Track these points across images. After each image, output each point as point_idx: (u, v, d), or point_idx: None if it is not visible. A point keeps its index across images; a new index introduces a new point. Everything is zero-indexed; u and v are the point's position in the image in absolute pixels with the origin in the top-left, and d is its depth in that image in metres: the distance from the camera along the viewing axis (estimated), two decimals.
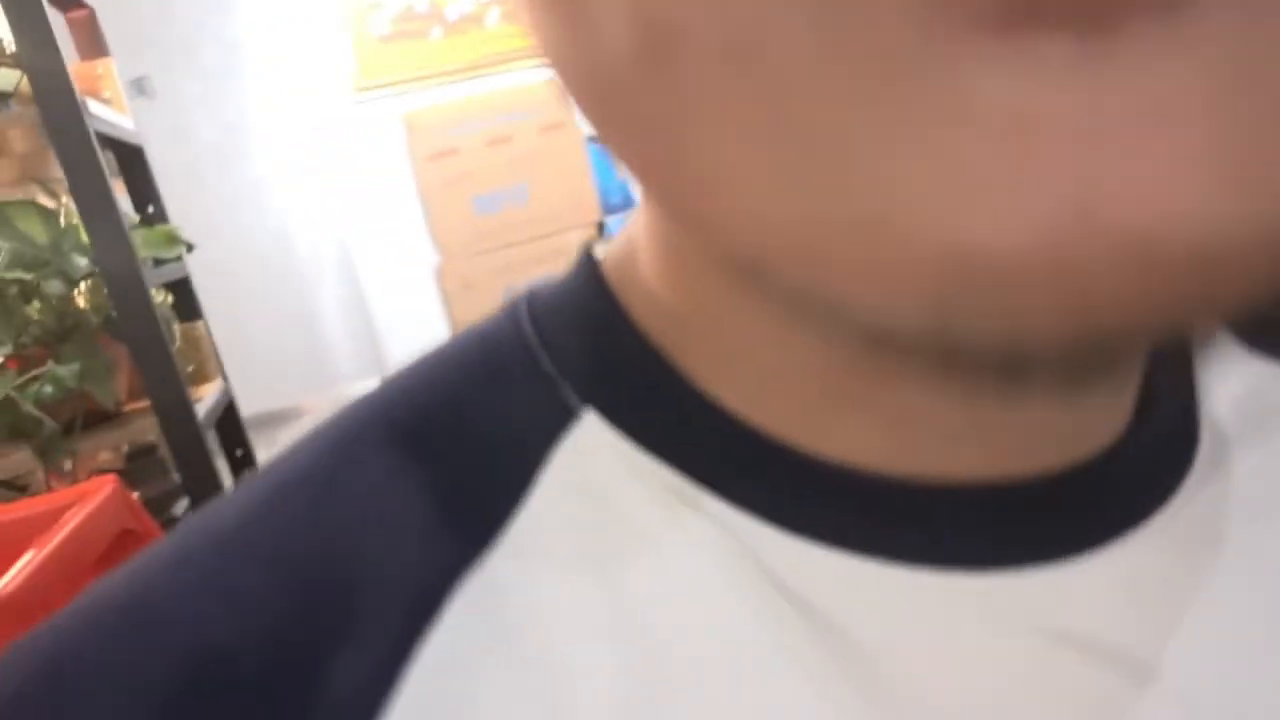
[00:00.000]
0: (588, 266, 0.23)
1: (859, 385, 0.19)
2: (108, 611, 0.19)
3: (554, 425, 0.20)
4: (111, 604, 0.19)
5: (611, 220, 2.66)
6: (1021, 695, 0.19)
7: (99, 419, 1.38)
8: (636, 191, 0.23)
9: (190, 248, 1.54)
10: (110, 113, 1.39)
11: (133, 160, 1.56)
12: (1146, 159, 0.11)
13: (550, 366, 0.21)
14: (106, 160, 1.26)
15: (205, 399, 1.48)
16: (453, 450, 0.20)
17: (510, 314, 0.23)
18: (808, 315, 0.17)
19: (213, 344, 1.69)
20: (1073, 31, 0.11)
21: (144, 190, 1.59)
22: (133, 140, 1.49)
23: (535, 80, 2.55)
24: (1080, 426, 0.20)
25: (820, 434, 0.20)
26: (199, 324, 1.65)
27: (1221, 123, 0.11)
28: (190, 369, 1.51)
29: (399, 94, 2.90)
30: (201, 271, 1.69)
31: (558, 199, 2.59)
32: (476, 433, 0.21)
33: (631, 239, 0.22)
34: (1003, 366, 0.16)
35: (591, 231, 2.58)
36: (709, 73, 0.13)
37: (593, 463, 0.20)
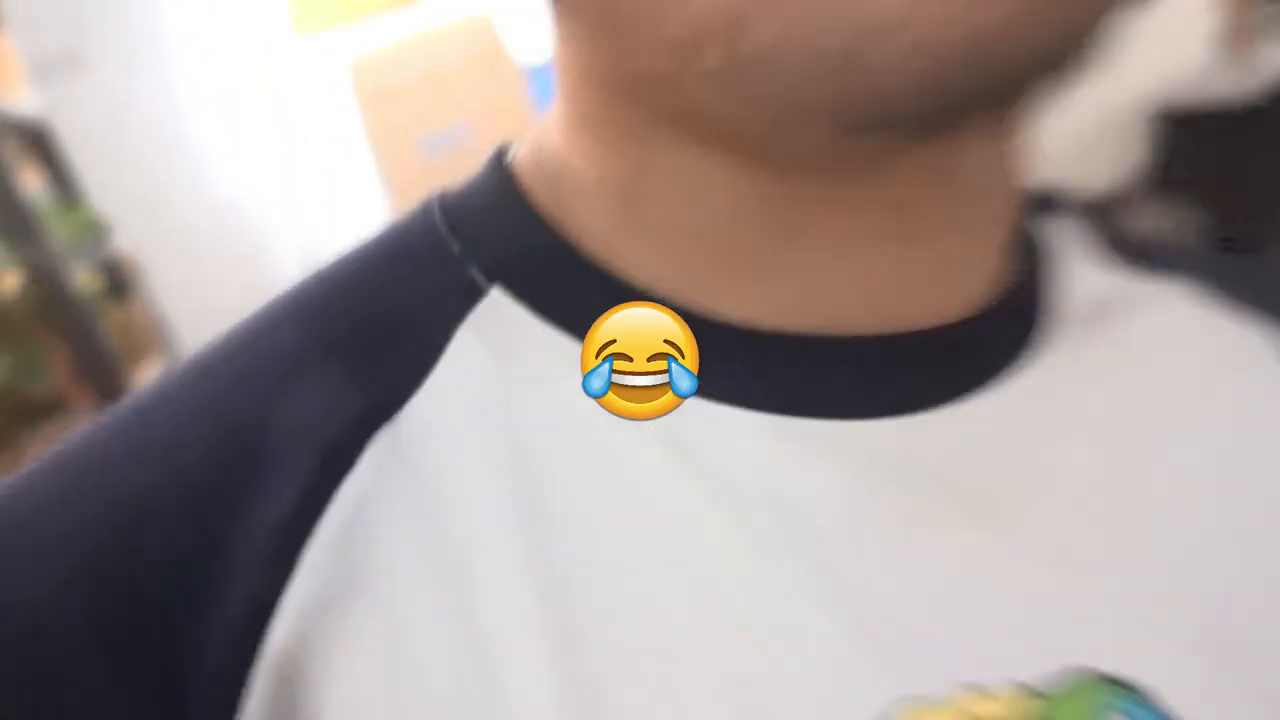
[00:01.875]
0: (498, 158, 0.25)
1: (759, 240, 0.21)
2: (40, 473, 0.21)
3: (463, 300, 0.22)
4: (46, 465, 0.21)
5: None
6: (880, 522, 0.21)
7: (47, 408, 1.38)
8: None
9: (109, 229, 1.52)
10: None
11: (41, 142, 1.52)
12: None
13: (458, 249, 0.23)
14: (11, 145, 1.22)
15: (147, 378, 1.48)
16: (362, 322, 0.22)
17: (424, 206, 0.25)
18: (721, 111, 0.19)
19: (157, 321, 1.67)
20: None
21: (60, 172, 1.55)
22: (36, 122, 1.46)
23: (470, 14, 2.47)
24: (949, 287, 0.23)
25: (717, 296, 0.22)
26: (135, 303, 1.63)
27: None
28: (130, 350, 1.50)
29: (338, 35, 2.82)
30: (147, 246, 1.66)
31: (498, 136, 2.56)
32: (386, 307, 0.23)
33: (540, 133, 0.25)
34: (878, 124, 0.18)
35: None
36: None
37: (498, 332, 0.22)
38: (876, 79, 0.16)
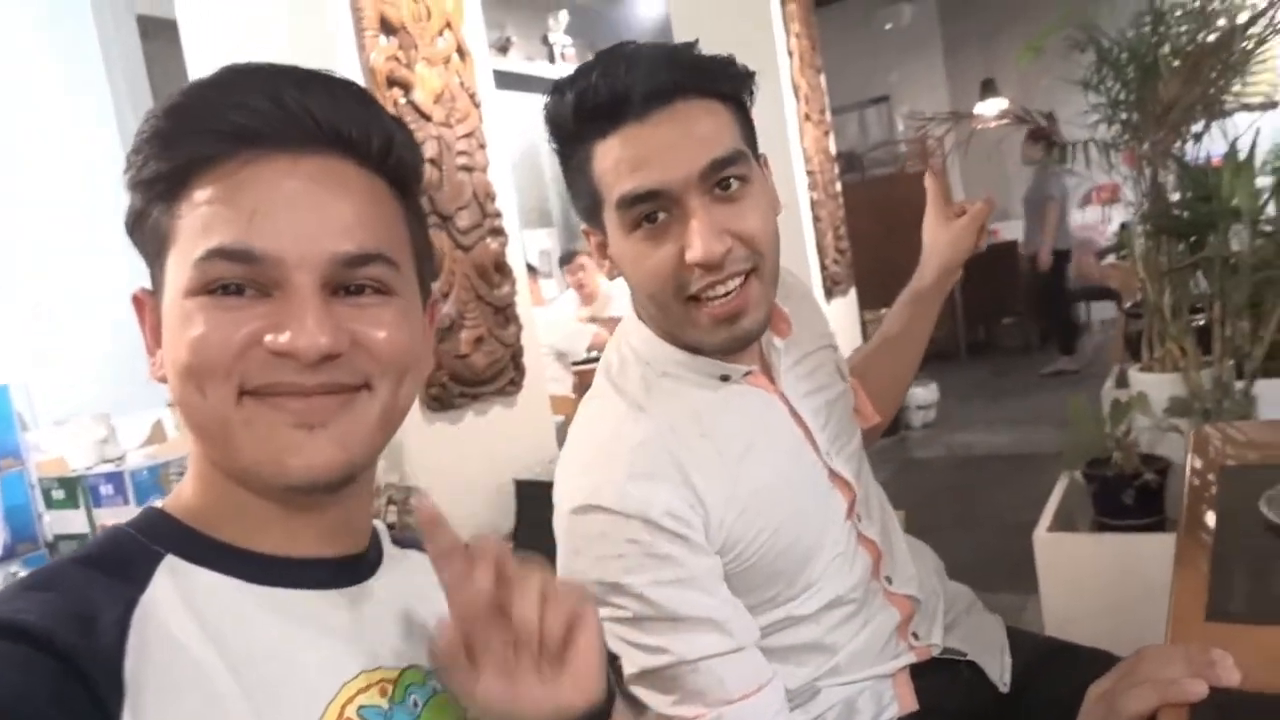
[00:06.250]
0: (153, 506, 0.63)
1: (272, 518, 0.61)
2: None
3: (154, 558, 0.57)
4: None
5: None
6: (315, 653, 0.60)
7: None
8: None
9: None
10: None
11: None
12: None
13: (145, 540, 0.59)
14: None
15: None
16: (109, 570, 0.56)
17: (127, 525, 0.60)
18: (252, 486, 0.60)
19: None
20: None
21: None
22: None
23: None
24: (353, 540, 0.67)
25: (260, 543, 0.61)
26: None
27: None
28: None
29: None
30: None
31: None
32: (119, 562, 0.57)
33: (179, 491, 0.63)
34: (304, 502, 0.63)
35: None
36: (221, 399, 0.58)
37: (171, 570, 0.57)
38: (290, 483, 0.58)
